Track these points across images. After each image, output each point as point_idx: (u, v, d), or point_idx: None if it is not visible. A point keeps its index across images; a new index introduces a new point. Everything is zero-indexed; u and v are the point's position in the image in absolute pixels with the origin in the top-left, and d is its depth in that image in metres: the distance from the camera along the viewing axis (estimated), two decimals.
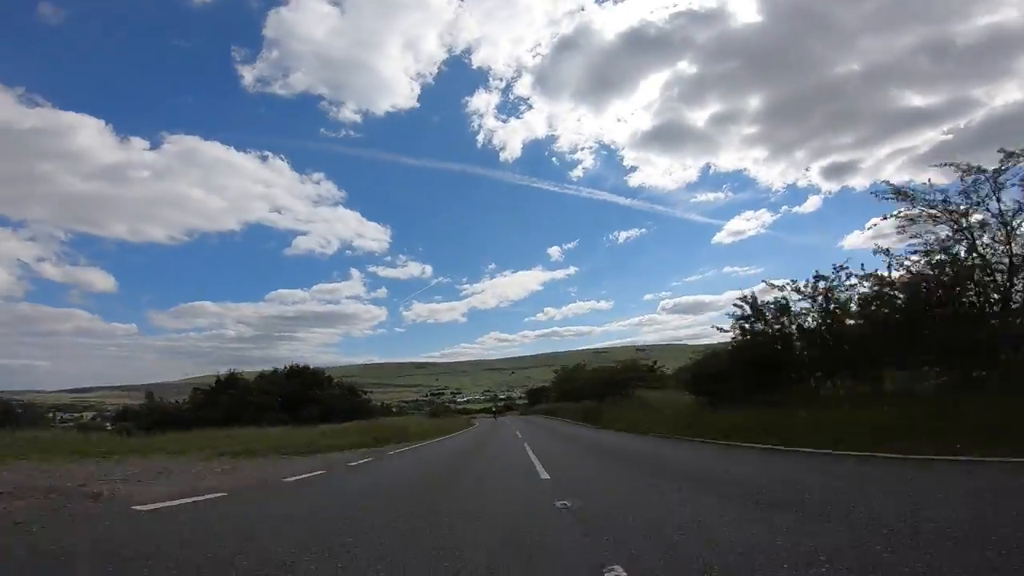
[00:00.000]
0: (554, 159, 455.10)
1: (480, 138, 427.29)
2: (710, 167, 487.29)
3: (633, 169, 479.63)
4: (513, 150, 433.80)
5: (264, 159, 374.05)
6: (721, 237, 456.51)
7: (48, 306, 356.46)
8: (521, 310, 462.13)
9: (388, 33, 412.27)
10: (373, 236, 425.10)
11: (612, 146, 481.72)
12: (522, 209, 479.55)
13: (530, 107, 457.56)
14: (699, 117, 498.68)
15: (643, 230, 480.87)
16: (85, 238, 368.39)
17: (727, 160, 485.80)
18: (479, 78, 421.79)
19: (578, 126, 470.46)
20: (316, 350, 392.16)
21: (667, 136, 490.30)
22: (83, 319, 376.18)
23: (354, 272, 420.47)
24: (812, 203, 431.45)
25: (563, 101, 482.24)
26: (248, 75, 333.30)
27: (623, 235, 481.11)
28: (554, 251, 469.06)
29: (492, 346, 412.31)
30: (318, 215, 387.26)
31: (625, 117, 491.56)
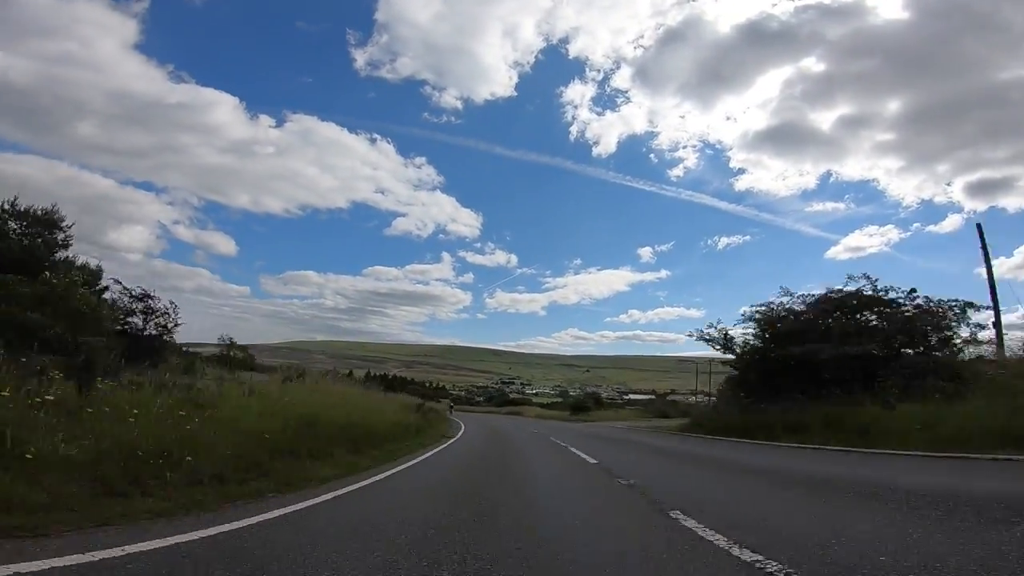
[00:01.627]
0: (652, 156, 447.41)
1: (573, 130, 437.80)
2: (831, 174, 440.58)
3: (741, 171, 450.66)
4: (608, 145, 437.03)
5: (373, 141, 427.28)
6: (836, 252, 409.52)
7: (179, 264, 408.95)
8: (603, 309, 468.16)
9: (488, 19, 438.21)
10: (466, 222, 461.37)
11: (718, 146, 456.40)
12: (614, 206, 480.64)
13: (628, 100, 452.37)
14: (825, 119, 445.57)
15: (747, 237, 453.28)
16: (214, 205, 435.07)
17: (853, 168, 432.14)
18: (575, 68, 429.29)
19: (681, 123, 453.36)
20: (403, 327, 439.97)
21: (784, 138, 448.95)
22: (205, 278, 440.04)
23: (445, 255, 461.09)
24: (951, 222, 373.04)
25: (666, 96, 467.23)
26: (360, 58, 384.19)
27: (724, 241, 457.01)
28: (645, 252, 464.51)
29: (568, 342, 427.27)
30: (417, 198, 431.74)
31: (736, 115, 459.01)
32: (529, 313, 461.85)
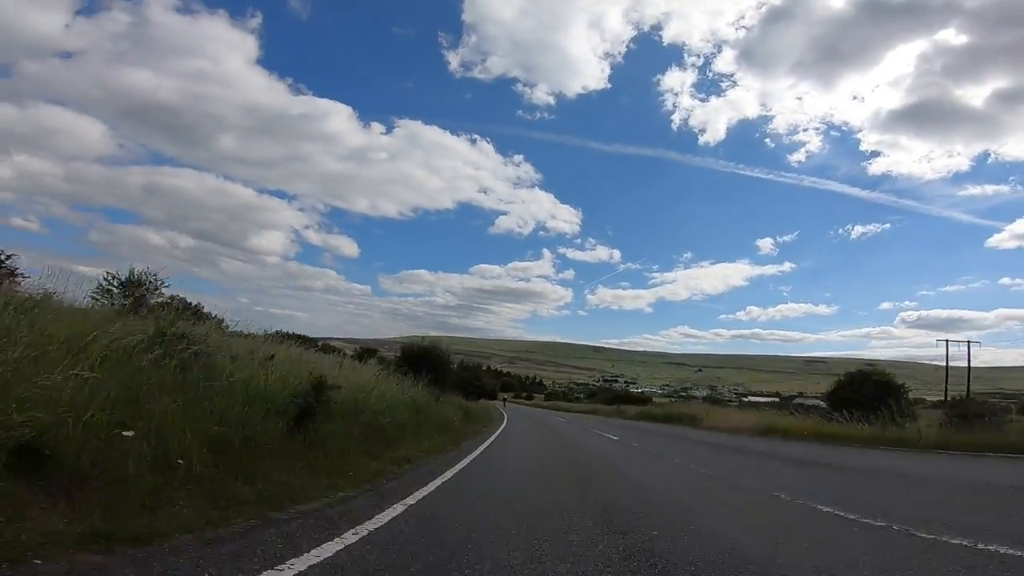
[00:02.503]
0: (767, 141, 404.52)
1: (676, 119, 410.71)
2: (989, 155, 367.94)
3: (875, 154, 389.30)
4: (715, 132, 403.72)
5: (473, 142, 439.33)
6: (1000, 240, 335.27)
7: (309, 266, 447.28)
8: (716, 306, 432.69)
9: (572, 12, 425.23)
10: (565, 218, 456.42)
11: (845, 127, 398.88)
12: (726, 195, 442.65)
13: (734, 84, 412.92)
14: (975, 95, 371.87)
15: (886, 225, 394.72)
16: (337, 210, 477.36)
17: (1017, 147, 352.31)
18: (671, 55, 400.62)
19: (798, 105, 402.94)
20: (506, 324, 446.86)
21: (925, 116, 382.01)
22: (331, 278, 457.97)
23: (546, 252, 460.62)
24: None
25: (778, 77, 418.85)
26: (453, 60, 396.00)
27: (858, 230, 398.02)
28: (765, 243, 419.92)
29: (677, 340, 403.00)
30: (517, 196, 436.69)
31: (864, 94, 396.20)
32: (634, 310, 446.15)
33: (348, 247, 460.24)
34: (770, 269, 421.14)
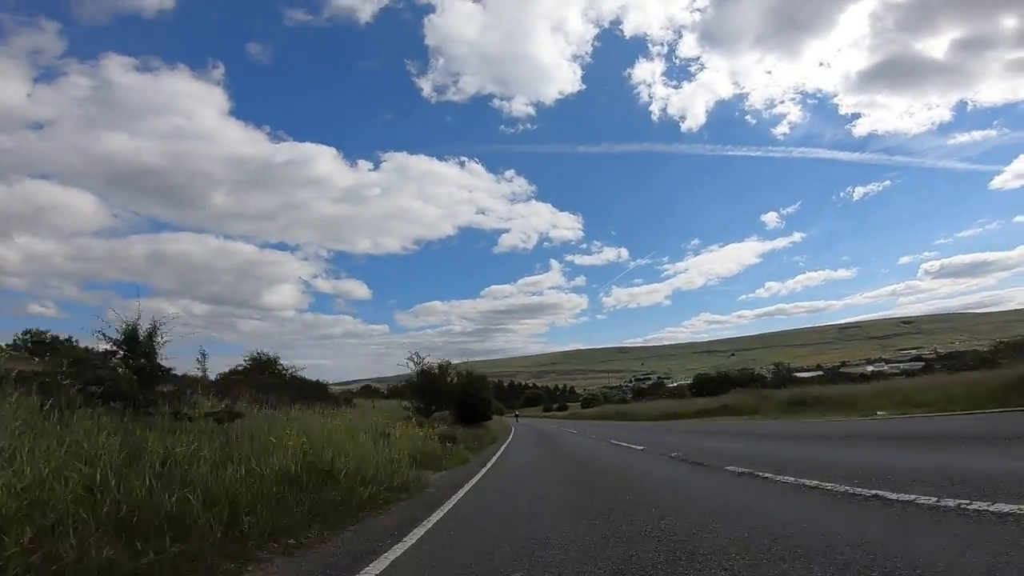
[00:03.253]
0: (748, 118, 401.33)
1: (654, 109, 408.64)
2: (967, 103, 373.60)
3: (856, 116, 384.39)
4: (696, 117, 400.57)
5: (462, 164, 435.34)
6: (1004, 181, 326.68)
7: (324, 314, 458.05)
8: (734, 288, 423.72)
9: (532, 19, 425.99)
10: (566, 226, 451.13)
11: (820, 94, 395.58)
12: (721, 177, 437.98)
13: (703, 67, 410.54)
14: (934, 46, 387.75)
15: (886, 183, 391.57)
16: (342, 255, 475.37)
17: (991, 92, 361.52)
18: (636, 47, 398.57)
19: (770, 79, 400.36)
20: (527, 340, 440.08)
21: (894, 73, 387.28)
22: (349, 323, 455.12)
23: (553, 263, 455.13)
24: None
25: (743, 53, 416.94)
26: (426, 86, 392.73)
27: (859, 191, 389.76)
28: (770, 218, 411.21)
29: (702, 329, 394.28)
30: (515, 212, 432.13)
31: (828, 60, 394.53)
32: (652, 305, 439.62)
33: (359, 290, 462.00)
34: (780, 242, 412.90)
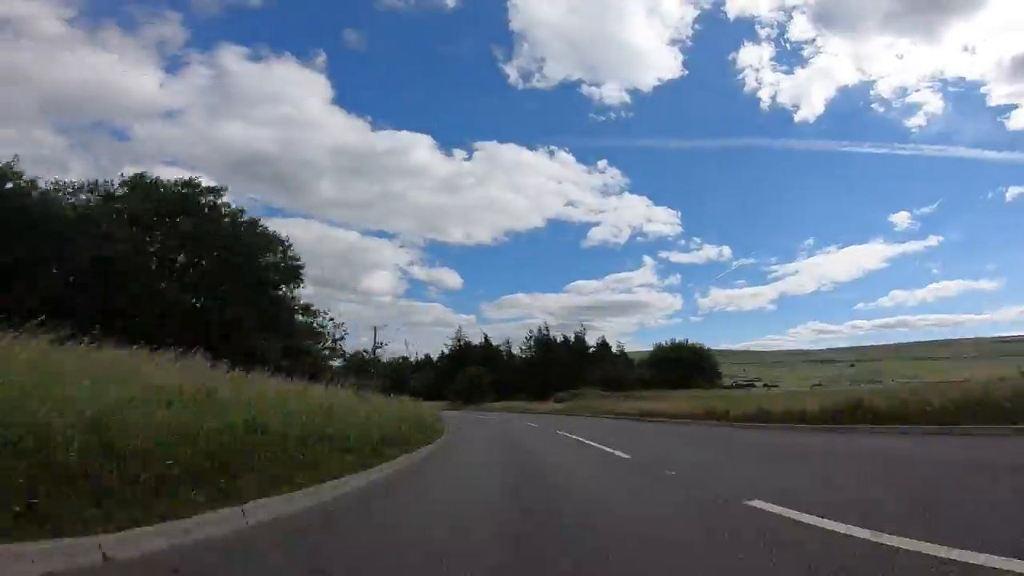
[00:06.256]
0: (876, 106, 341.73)
1: (763, 96, 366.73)
2: None
3: (1011, 108, 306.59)
4: (812, 106, 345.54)
5: (551, 154, 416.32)
6: None
7: (418, 301, 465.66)
8: (851, 295, 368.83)
9: (623, 2, 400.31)
10: (663, 220, 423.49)
11: (964, 82, 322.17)
12: (843, 171, 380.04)
13: (818, 51, 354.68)
14: None
15: None
16: (436, 244, 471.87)
17: None
18: (742, 30, 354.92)
19: (901, 64, 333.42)
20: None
21: None
22: (439, 311, 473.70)
23: (646, 259, 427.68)
24: None
25: (868, 35, 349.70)
26: (512, 73, 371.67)
27: (1013, 191, 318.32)
28: (900, 218, 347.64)
29: (809, 338, 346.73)
30: (607, 204, 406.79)
31: (974, 44, 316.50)
32: (754, 309, 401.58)
33: (451, 279, 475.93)
34: (912, 246, 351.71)
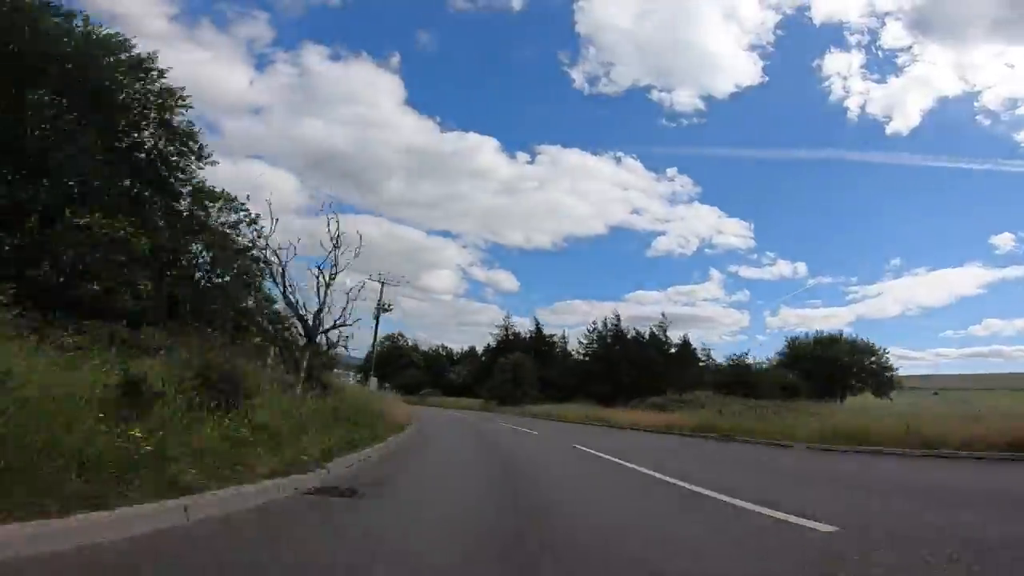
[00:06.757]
0: (980, 118, 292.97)
1: (851, 106, 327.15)
2: None
3: None
4: (907, 117, 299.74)
5: (618, 160, 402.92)
6: None
7: (476, 302, 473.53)
8: (937, 322, 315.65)
9: (696, 4, 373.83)
10: (734, 232, 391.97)
11: None
12: (938, 189, 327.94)
13: (915, 59, 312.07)
14: None
15: None
16: (495, 246, 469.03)
17: None
18: (829, 36, 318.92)
19: (1010, 74, 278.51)
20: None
21: None
22: (495, 313, 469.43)
23: (713, 273, 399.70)
24: None
25: (974, 43, 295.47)
26: (578, 77, 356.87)
27: None
28: (1003, 240, 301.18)
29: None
30: (675, 214, 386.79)
31: None
32: (827, 332, 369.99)
33: (508, 281, 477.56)
34: (1015, 271, 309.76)
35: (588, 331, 52.50)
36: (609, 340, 49.67)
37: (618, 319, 51.01)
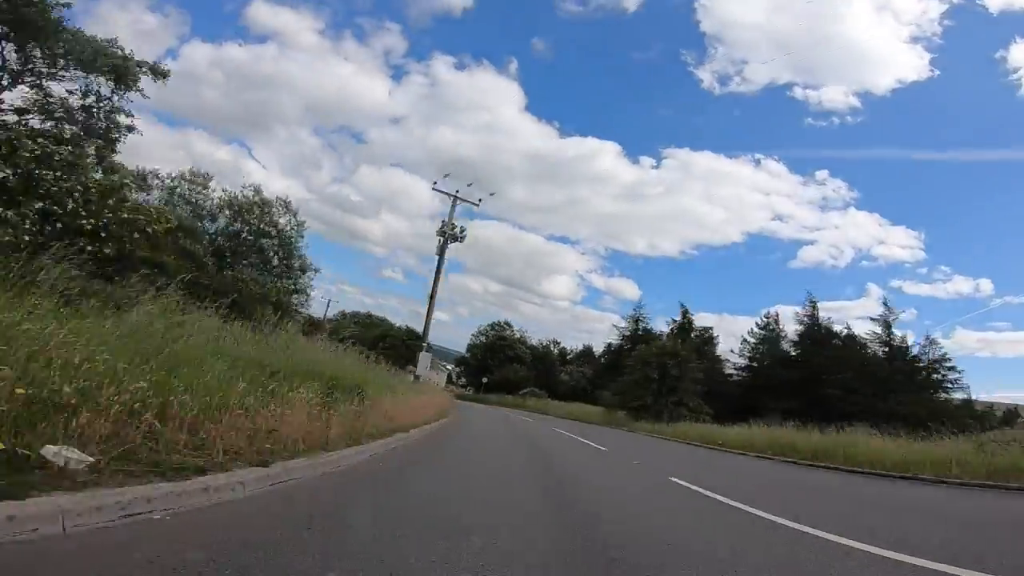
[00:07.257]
0: None
1: None
2: None
3: None
4: None
5: (756, 163, 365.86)
6: None
7: (592, 309, 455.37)
8: None
9: None
10: (899, 242, 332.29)
11: None
12: None
13: None
14: None
15: None
16: (617, 253, 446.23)
17: None
18: (1011, 24, 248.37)
19: None
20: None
21: None
22: (613, 321, 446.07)
23: (871, 287, 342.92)
24: None
25: None
26: (706, 77, 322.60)
27: None
28: None
29: None
30: (826, 221, 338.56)
31: None
32: (1015, 358, 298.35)
33: (629, 289, 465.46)
34: None
35: (758, 324, 42.69)
36: (800, 340, 38.91)
37: (814, 303, 39.02)
